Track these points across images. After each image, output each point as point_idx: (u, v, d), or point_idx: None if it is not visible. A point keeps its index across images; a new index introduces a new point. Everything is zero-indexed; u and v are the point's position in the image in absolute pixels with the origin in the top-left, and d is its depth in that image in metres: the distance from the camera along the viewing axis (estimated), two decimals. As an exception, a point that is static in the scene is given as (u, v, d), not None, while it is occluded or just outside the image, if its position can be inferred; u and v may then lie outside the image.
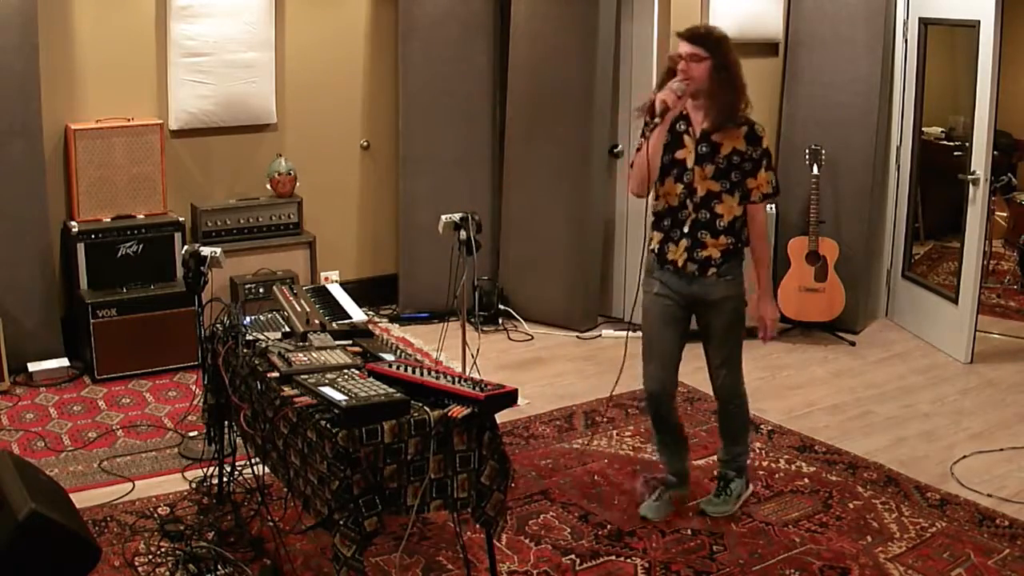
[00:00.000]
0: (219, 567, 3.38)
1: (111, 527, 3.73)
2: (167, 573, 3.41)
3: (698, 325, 3.93)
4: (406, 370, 3.11)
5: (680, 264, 3.76)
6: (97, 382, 5.08)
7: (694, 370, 5.43)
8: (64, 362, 5.17)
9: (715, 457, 4.31)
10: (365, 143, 6.23)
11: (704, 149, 3.69)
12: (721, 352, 3.88)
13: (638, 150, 3.68)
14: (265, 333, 3.49)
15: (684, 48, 3.65)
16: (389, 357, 3.33)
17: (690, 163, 3.70)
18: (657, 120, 3.59)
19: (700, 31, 3.70)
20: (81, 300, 5.11)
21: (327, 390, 2.93)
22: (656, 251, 3.82)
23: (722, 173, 3.68)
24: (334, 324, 3.59)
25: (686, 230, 3.73)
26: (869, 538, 3.77)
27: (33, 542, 2.87)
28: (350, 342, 3.45)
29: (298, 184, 5.83)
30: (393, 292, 6.34)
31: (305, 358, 3.22)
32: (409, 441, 2.90)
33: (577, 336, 5.87)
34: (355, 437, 2.82)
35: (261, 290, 5.50)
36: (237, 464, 3.76)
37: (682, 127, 3.72)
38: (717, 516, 3.92)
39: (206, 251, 3.95)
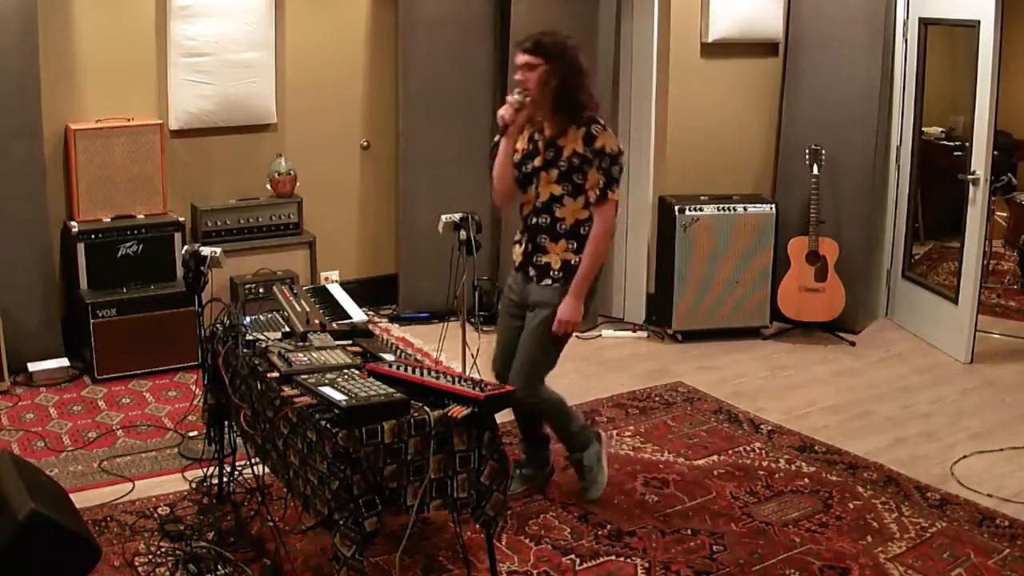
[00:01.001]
0: (219, 567, 3.38)
1: (111, 527, 3.73)
2: (167, 573, 3.41)
3: None
4: (406, 370, 3.11)
5: (517, 265, 3.79)
6: (97, 382, 5.08)
7: (694, 369, 5.48)
8: (64, 362, 5.17)
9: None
10: (365, 143, 6.23)
11: (551, 155, 3.65)
12: (522, 352, 3.79)
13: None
14: (265, 333, 3.49)
15: (518, 59, 3.61)
16: (389, 357, 3.33)
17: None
18: (497, 138, 3.62)
19: (533, 38, 3.63)
20: (81, 300, 5.10)
21: (327, 390, 2.93)
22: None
23: (564, 176, 3.63)
24: (334, 324, 3.58)
25: (527, 235, 3.76)
26: (869, 538, 3.77)
27: (33, 542, 2.87)
28: (350, 342, 3.45)
29: (298, 184, 5.83)
30: (393, 292, 6.34)
31: (305, 358, 3.21)
32: (409, 441, 2.90)
33: (577, 336, 5.86)
34: (355, 437, 2.82)
35: (261, 290, 5.50)
36: (237, 464, 3.76)
37: (537, 136, 3.70)
38: (594, 497, 3.93)
39: (206, 251, 3.95)
